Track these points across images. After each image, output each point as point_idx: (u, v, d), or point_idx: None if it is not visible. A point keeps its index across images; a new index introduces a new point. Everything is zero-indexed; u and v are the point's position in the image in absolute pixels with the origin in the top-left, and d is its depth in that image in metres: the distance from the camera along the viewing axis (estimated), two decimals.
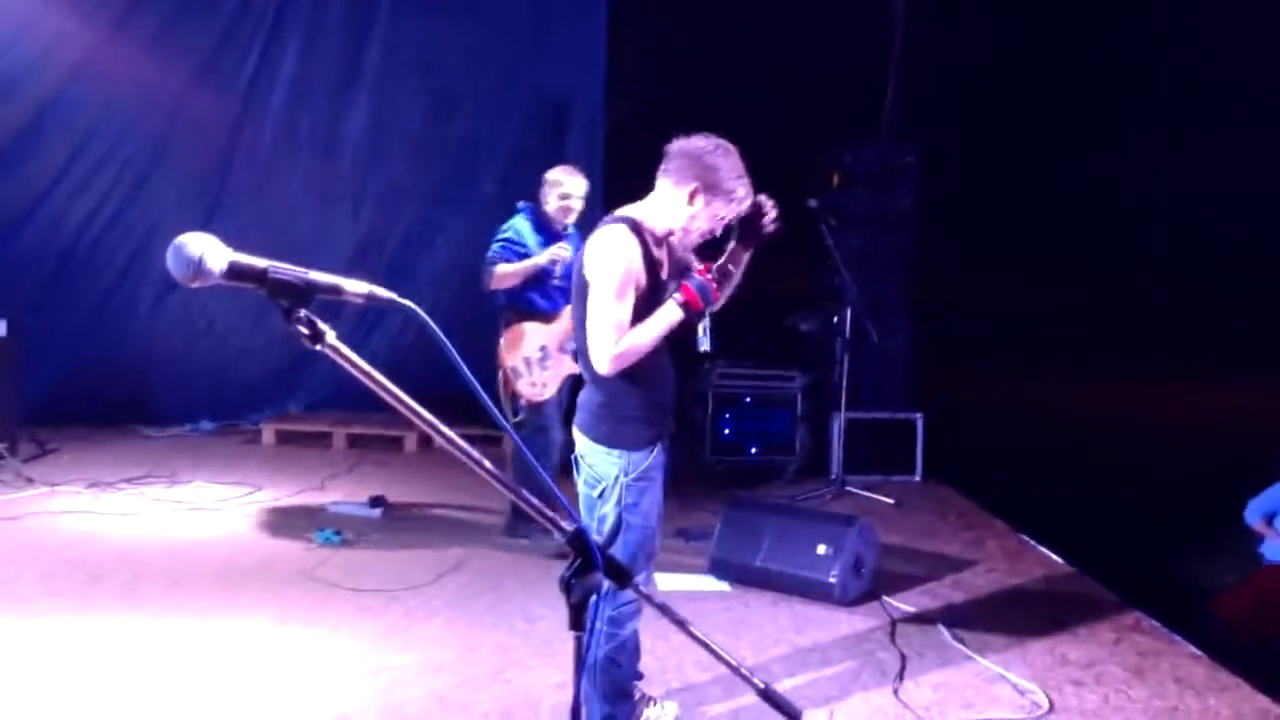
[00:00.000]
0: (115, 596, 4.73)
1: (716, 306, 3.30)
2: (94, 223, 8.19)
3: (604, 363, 3.17)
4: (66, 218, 8.13)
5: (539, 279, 5.41)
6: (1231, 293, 14.85)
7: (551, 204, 5.47)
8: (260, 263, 1.42)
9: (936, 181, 8.21)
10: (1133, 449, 9.07)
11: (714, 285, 3.26)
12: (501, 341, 5.43)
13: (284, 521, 5.97)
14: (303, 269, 1.45)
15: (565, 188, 5.45)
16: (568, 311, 5.32)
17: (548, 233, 5.48)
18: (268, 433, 7.97)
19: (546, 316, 5.39)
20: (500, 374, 5.36)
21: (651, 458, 3.31)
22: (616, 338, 3.16)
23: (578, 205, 5.49)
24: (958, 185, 8.49)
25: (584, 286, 3.22)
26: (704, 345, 3.40)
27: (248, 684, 3.93)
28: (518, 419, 5.39)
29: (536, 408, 5.37)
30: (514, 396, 5.36)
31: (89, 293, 8.24)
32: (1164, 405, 11.61)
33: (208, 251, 1.39)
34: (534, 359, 5.36)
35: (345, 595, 4.85)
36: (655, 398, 3.34)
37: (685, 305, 3.21)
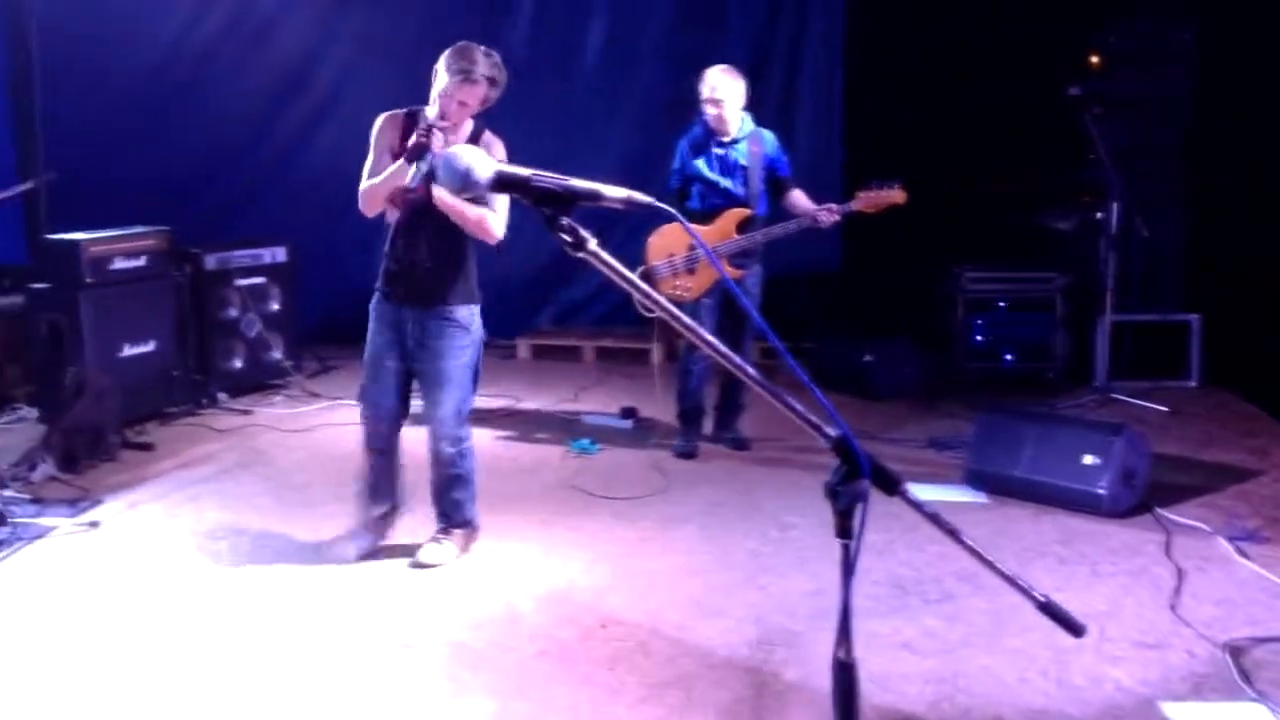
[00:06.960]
0: None
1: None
2: (361, 150, 8.64)
3: None
4: (340, 145, 8.62)
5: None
6: None
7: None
8: (524, 171, 1.46)
9: (1217, 60, 7.43)
10: None
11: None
12: (651, 241, 5.46)
13: (544, 431, 6.24)
14: (562, 176, 1.47)
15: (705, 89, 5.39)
16: (727, 214, 5.30)
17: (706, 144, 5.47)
18: (523, 348, 8.30)
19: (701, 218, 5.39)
20: (639, 272, 5.38)
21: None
22: None
23: (723, 111, 5.35)
24: (1241, 64, 7.63)
25: None
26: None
27: (513, 583, 4.15)
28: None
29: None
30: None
31: (360, 218, 8.72)
32: None
33: (475, 163, 1.43)
34: (679, 260, 5.37)
35: (602, 503, 5.03)
36: None
37: None
